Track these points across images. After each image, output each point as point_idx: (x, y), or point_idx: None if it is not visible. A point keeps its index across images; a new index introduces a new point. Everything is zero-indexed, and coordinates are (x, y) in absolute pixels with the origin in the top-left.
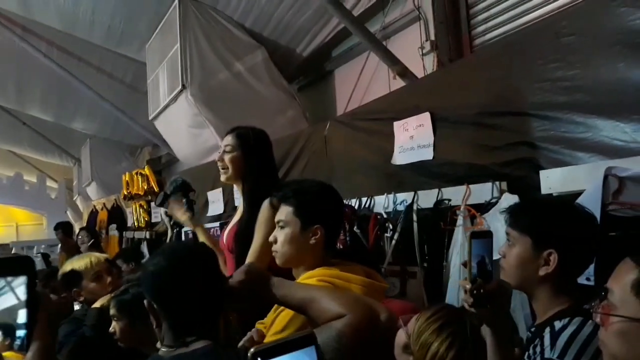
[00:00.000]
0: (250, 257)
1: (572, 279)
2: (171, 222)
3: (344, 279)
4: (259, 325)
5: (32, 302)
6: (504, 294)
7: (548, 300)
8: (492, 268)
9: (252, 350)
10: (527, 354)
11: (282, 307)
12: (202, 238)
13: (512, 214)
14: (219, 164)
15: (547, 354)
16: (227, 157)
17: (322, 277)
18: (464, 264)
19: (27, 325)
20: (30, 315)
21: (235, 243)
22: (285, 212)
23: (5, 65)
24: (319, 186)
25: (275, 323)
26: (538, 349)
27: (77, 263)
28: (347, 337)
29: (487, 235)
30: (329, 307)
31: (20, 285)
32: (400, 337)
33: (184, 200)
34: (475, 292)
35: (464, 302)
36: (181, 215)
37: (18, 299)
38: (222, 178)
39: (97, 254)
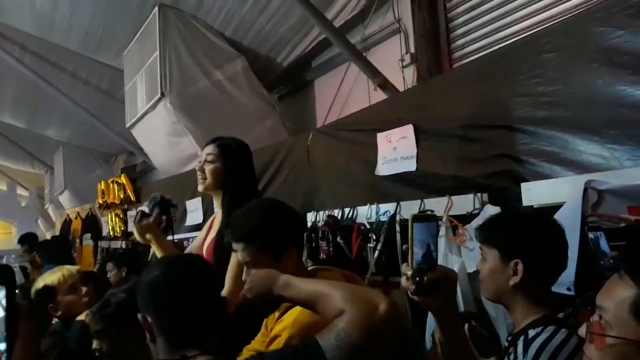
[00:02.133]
0: (227, 284)
1: (545, 289)
2: None
3: None
4: (246, 352)
5: (11, 314)
6: (449, 282)
7: (523, 310)
8: (436, 254)
9: None
10: None
11: (274, 334)
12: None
13: (481, 230)
14: (199, 173)
15: None
16: (207, 167)
17: None
18: (406, 250)
19: (7, 338)
20: (9, 328)
21: (214, 258)
22: (249, 252)
23: None
24: (266, 210)
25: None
26: (512, 357)
27: (49, 278)
28: (346, 332)
29: (430, 219)
30: (332, 304)
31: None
32: None
33: (163, 217)
34: (417, 279)
35: (406, 289)
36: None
37: (4, 310)
38: (200, 188)
39: (69, 266)
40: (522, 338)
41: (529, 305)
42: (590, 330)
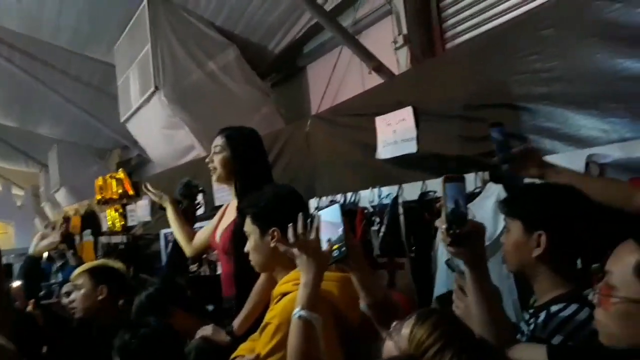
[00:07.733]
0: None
1: (570, 263)
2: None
3: None
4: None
5: None
6: (479, 235)
7: (547, 284)
8: (466, 210)
9: None
10: (521, 330)
11: (265, 322)
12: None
13: (505, 202)
14: (209, 165)
15: (537, 333)
16: (216, 158)
17: (297, 280)
18: (440, 206)
19: None
20: None
21: (233, 246)
22: (247, 222)
23: None
24: (274, 189)
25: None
26: (532, 327)
27: None
28: None
29: (459, 180)
30: None
31: None
32: (390, 350)
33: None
34: (451, 232)
35: (442, 242)
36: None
37: None
38: (213, 178)
39: None
40: (544, 312)
41: (553, 279)
42: (598, 293)
